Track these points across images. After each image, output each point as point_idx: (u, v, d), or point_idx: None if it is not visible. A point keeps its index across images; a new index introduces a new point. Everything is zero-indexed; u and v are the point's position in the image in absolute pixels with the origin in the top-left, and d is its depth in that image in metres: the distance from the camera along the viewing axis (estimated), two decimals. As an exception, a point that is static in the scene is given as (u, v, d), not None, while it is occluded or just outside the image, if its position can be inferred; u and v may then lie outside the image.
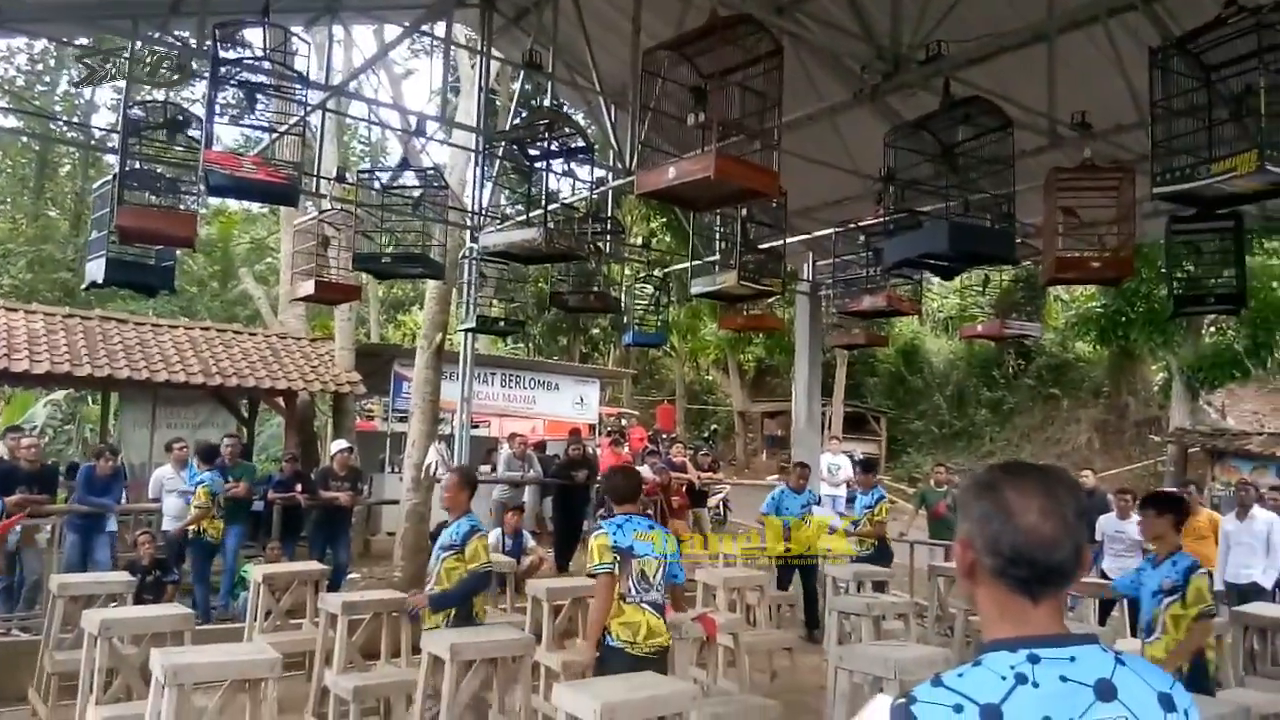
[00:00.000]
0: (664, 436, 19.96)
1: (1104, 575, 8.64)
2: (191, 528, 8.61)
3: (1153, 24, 6.11)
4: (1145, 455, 21.45)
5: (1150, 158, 4.08)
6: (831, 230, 8.11)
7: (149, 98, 6.04)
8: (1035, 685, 1.29)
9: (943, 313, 25.45)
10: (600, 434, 17.82)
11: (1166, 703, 1.35)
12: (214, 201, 30.74)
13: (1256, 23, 3.51)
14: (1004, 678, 1.29)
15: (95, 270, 6.01)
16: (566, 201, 6.65)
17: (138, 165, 5.70)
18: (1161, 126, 3.99)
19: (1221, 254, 6.11)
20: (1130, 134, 6.95)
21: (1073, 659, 1.32)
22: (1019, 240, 6.99)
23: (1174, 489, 10.07)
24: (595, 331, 27.66)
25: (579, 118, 11.02)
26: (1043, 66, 6.13)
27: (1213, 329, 17.00)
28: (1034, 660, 1.31)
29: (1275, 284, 15.40)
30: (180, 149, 5.66)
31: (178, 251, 6.73)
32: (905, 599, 8.63)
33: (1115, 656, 1.36)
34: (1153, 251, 12.01)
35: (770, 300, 8.44)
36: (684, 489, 11.84)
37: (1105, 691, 1.31)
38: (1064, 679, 1.30)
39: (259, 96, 4.73)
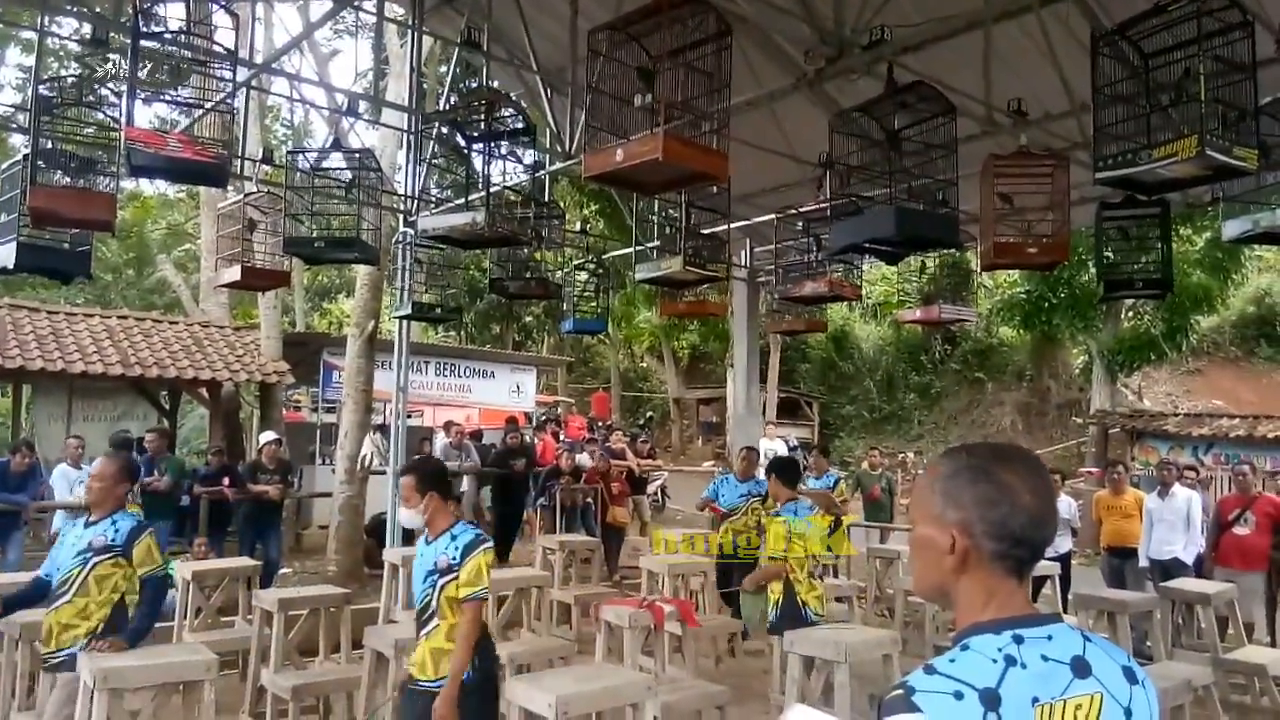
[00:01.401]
0: (601, 424, 19.92)
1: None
2: None
3: (1083, 14, 6.24)
4: (1067, 436, 22.19)
5: (1092, 143, 4.14)
6: (772, 216, 8.12)
7: (60, 74, 5.70)
8: (1023, 666, 1.31)
9: (871, 299, 25.89)
10: (534, 422, 17.70)
11: (1130, 675, 1.40)
12: (128, 185, 29.64)
13: (1197, 9, 3.58)
14: (994, 660, 1.31)
15: (4, 255, 5.65)
16: (507, 185, 6.49)
17: (49, 145, 5.40)
18: (1103, 112, 4.05)
19: (1148, 240, 6.30)
20: (1062, 122, 7.09)
21: (1049, 638, 1.35)
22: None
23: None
24: (529, 319, 27.44)
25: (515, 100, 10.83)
26: (979, 55, 6.20)
27: (1131, 314, 17.60)
28: (1018, 641, 1.33)
29: (1190, 270, 15.98)
30: (94, 128, 5.37)
31: (93, 236, 6.40)
32: (846, 581, 8.74)
33: (1082, 634, 1.40)
34: (1075, 238, 12.35)
35: (709, 286, 8.41)
36: (624, 476, 11.80)
37: (1081, 669, 1.35)
38: (1045, 658, 1.33)
39: (181, 73, 4.49)
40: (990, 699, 1.27)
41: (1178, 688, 3.96)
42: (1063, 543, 8.81)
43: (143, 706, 4.11)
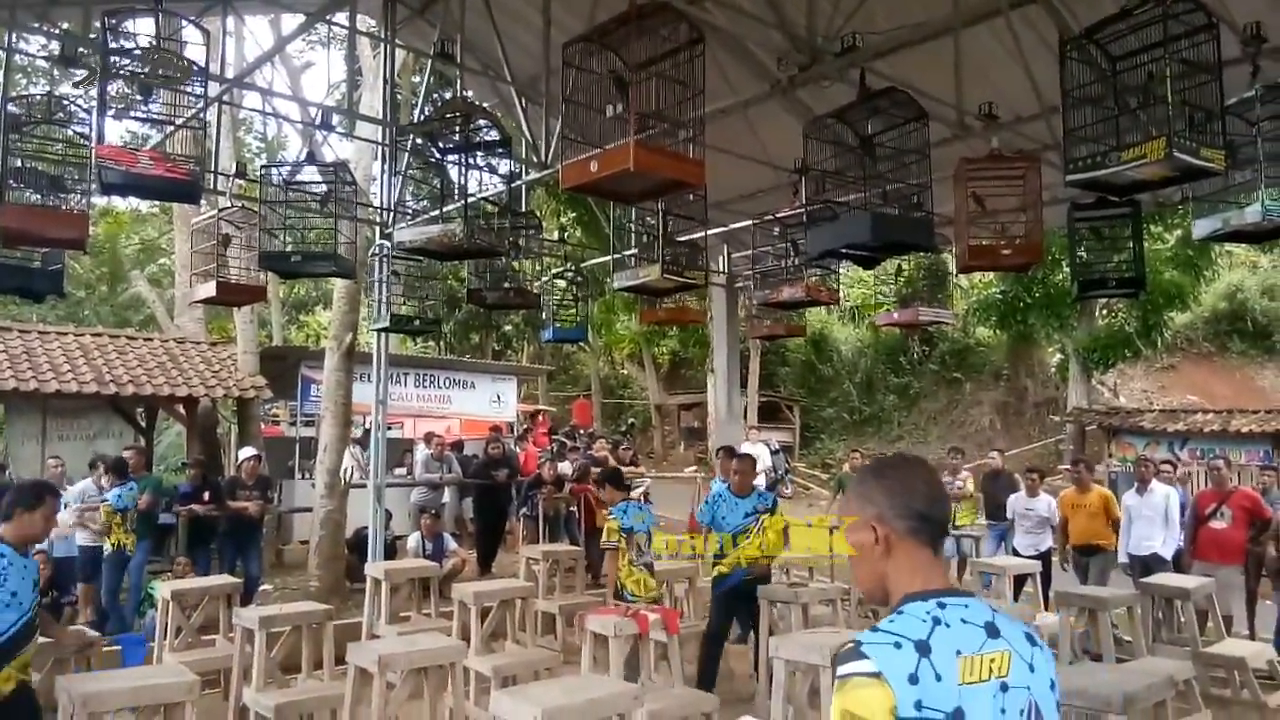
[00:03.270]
0: (582, 432, 19.87)
1: (1016, 552, 8.94)
2: (109, 541, 8.25)
3: (1051, 18, 6.31)
4: (1045, 434, 22.37)
5: (1062, 146, 4.19)
6: (749, 222, 8.15)
7: (29, 92, 5.64)
8: (947, 626, 1.63)
9: (849, 302, 26.02)
10: (515, 432, 17.64)
11: (1030, 640, 1.72)
12: (100, 201, 29.34)
13: (1163, 12, 3.63)
14: (924, 620, 1.63)
15: (-25, 275, 5.61)
16: (483, 196, 6.48)
17: (19, 163, 5.34)
18: (1072, 115, 4.10)
19: (1120, 239, 6.38)
20: (1032, 124, 7.17)
21: (966, 606, 1.69)
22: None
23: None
24: (508, 329, 27.37)
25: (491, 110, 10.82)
26: (949, 60, 6.26)
27: (1105, 312, 17.79)
28: (942, 606, 1.65)
29: (1163, 268, 16.17)
30: (65, 145, 5.32)
31: (65, 254, 6.34)
32: (830, 584, 8.76)
33: (990, 606, 1.73)
34: (1049, 238, 12.49)
35: (688, 293, 8.42)
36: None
37: (993, 631, 1.67)
38: (964, 621, 1.65)
39: (152, 89, 4.45)
40: (922, 648, 1.58)
41: (1160, 683, 4.01)
42: (1043, 540, 8.88)
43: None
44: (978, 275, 22.95)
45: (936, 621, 1.62)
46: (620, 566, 6.18)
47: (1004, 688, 1.63)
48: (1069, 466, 16.36)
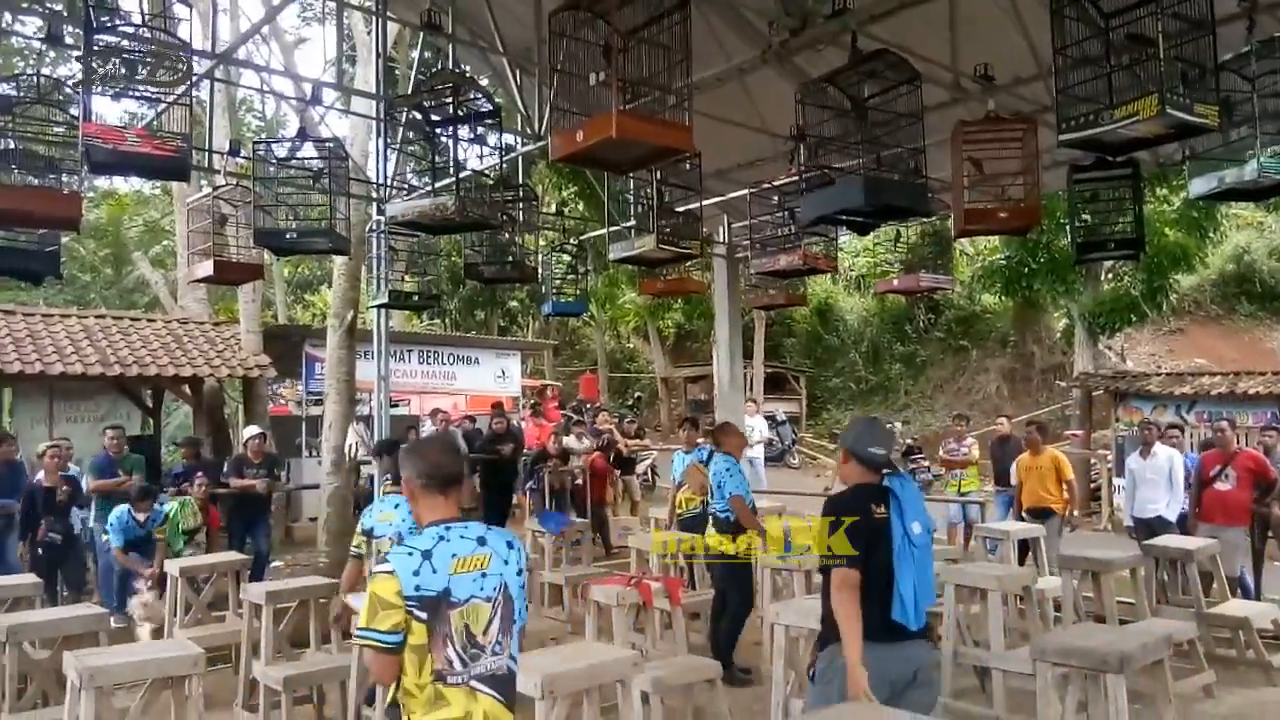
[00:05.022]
0: (589, 406, 19.91)
1: (1021, 517, 8.94)
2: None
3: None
4: (1052, 400, 22.31)
5: (1054, 105, 4.14)
6: (745, 191, 8.09)
7: (20, 72, 5.62)
8: (448, 541, 2.66)
9: (855, 271, 25.89)
10: (523, 407, 17.69)
11: (510, 545, 2.77)
12: (102, 183, 29.29)
13: (1155, -34, 3.57)
14: (432, 538, 2.65)
15: (-28, 258, 5.63)
16: (476, 170, 6.45)
17: (12, 145, 5.34)
18: (1064, 74, 4.05)
19: (1120, 201, 6.33)
20: (1030, 86, 7.08)
21: (466, 527, 2.71)
22: (930, 195, 7.11)
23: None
24: (513, 304, 27.35)
25: (484, 83, 10.76)
26: (944, 21, 6.19)
27: (1110, 275, 17.64)
28: (447, 529, 2.69)
29: (1168, 230, 16.01)
30: (59, 126, 5.31)
31: (63, 236, 6.34)
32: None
33: (485, 526, 2.79)
34: (1053, 203, 12.36)
35: (689, 264, 8.38)
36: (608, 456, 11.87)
37: (481, 542, 2.71)
38: (462, 537, 2.68)
39: (139, 67, 4.44)
40: (426, 554, 2.60)
41: (1156, 643, 4.02)
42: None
43: (131, 704, 4.11)
44: (983, 242, 22.80)
45: (440, 538, 2.64)
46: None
47: (484, 575, 2.66)
48: (1076, 432, 16.41)
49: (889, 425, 23.81)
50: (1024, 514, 8.79)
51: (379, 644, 2.54)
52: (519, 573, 2.76)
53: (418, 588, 2.53)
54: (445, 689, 2.58)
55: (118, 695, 4.37)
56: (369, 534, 5.02)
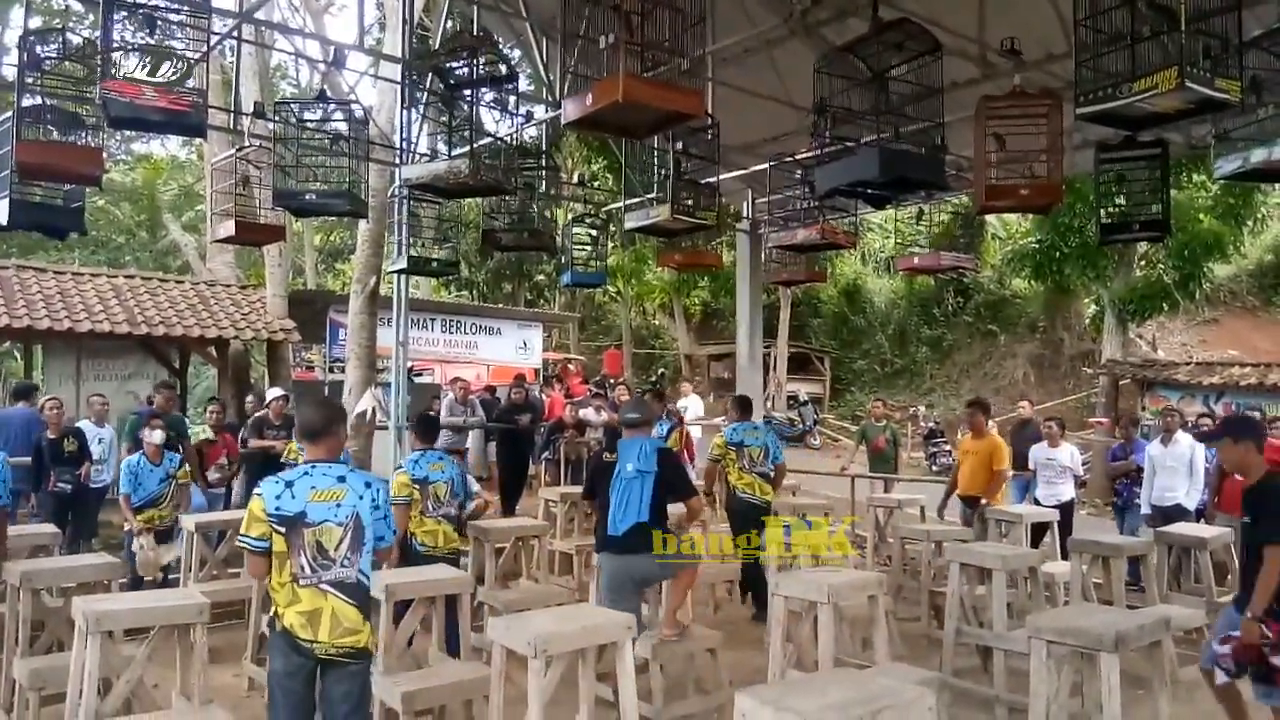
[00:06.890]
0: (611, 381, 19.95)
1: (1037, 502, 8.85)
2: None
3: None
4: (1080, 388, 22.04)
5: (1074, 78, 4.06)
6: (765, 165, 8.03)
7: (46, 28, 5.68)
8: (311, 476, 3.49)
9: (884, 253, 25.63)
10: (541, 378, 17.75)
11: (368, 485, 3.57)
12: (140, 147, 29.61)
13: (1180, -64, 3.48)
14: (300, 473, 3.49)
15: (-1, 212, 5.71)
16: (494, 134, 6.44)
17: (39, 100, 5.41)
18: (1086, 47, 3.97)
19: (1148, 183, 6.19)
20: (1063, 63, 6.94)
21: (330, 465, 3.54)
22: (953, 173, 7.00)
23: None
24: (540, 278, 27.39)
25: (512, 52, 10.72)
26: (974, -7, 6.09)
27: (1143, 262, 17.34)
28: (313, 467, 3.52)
29: (1202, 217, 15.70)
30: (84, 83, 5.37)
31: (88, 192, 6.42)
32: (845, 527, 8.74)
33: (346, 467, 3.58)
34: (1084, 185, 12.15)
35: (713, 240, 8.31)
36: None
37: (341, 480, 3.51)
38: (324, 475, 3.50)
39: (155, 23, 4.46)
40: (289, 484, 3.44)
41: (1154, 624, 3.98)
42: (1064, 490, 8.77)
43: (136, 651, 4.20)
44: (1014, 225, 22.50)
45: (305, 474, 3.48)
46: (411, 517, 5.78)
47: (339, 505, 3.44)
48: (1102, 419, 16.18)
49: (913, 409, 23.72)
50: (961, 498, 8.52)
51: (248, 547, 3.44)
52: (375, 507, 3.53)
53: (278, 508, 3.39)
54: (299, 589, 3.39)
55: (126, 647, 4.46)
56: (423, 482, 5.77)
